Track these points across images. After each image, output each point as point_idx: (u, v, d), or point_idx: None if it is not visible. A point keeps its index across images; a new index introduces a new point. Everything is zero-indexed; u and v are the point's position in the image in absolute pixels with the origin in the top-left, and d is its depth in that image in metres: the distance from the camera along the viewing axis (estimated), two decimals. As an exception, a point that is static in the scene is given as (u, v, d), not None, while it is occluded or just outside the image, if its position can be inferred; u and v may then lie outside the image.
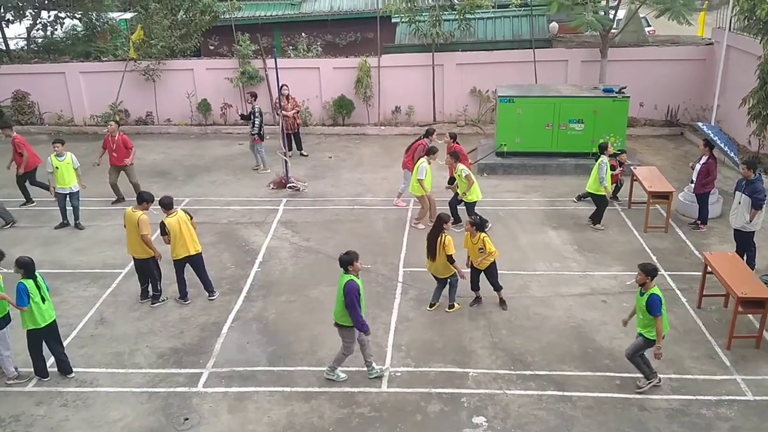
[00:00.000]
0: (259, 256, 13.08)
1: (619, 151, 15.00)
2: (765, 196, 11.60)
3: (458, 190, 13.70)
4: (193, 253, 11.33)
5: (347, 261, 9.08)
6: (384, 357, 10.04)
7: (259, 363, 9.99)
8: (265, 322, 11.01)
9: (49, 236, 14.13)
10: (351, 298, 8.96)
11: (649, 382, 9.23)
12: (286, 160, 16.30)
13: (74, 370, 9.83)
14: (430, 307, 11.19)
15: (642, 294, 8.94)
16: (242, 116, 18.05)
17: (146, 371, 9.87)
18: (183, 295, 11.59)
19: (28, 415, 9.04)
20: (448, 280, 11.03)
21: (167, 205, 11.22)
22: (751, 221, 11.64)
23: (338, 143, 19.96)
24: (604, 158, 13.71)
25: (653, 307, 8.73)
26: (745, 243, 11.88)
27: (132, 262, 11.87)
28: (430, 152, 13.99)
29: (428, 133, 14.96)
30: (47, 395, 9.41)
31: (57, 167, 14.12)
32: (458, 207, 13.91)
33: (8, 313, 9.57)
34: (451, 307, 11.15)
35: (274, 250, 13.38)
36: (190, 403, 9.21)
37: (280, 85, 17.93)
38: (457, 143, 14.63)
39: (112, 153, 15.40)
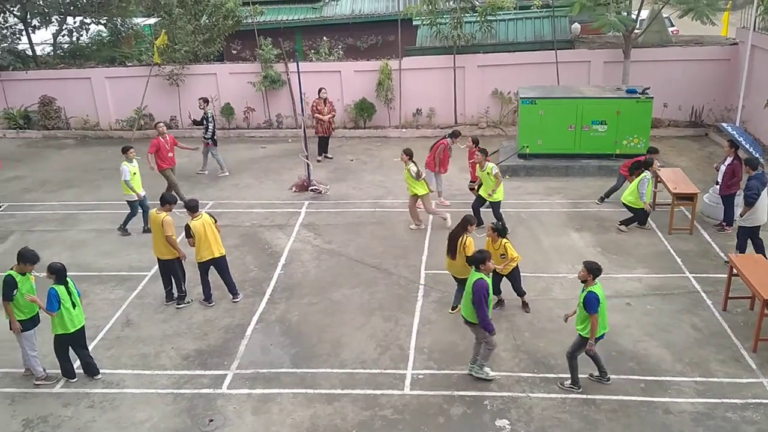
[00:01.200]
0: (281, 259, 13.16)
1: (652, 150, 14.80)
2: (757, 193, 11.92)
3: (482, 191, 13.68)
4: (217, 255, 11.44)
5: (480, 260, 9.10)
6: (406, 360, 10.06)
7: (282, 365, 10.06)
8: (288, 324, 11.09)
9: (76, 239, 14.33)
10: (480, 296, 8.96)
11: (572, 387, 9.31)
12: (308, 163, 16.39)
13: (101, 371, 9.96)
14: (452, 309, 11.19)
15: (583, 290, 8.99)
16: (194, 122, 18.16)
17: (171, 373, 9.98)
18: (207, 297, 11.71)
19: (55, 416, 9.18)
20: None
21: (193, 208, 11.35)
22: (741, 216, 12.15)
23: (360, 146, 20.02)
24: (647, 174, 13.57)
25: (589, 304, 8.82)
26: (742, 237, 12.25)
27: (157, 266, 12.00)
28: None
29: (454, 135, 14.99)
30: (74, 396, 9.55)
31: (135, 173, 14.07)
32: (482, 209, 13.88)
33: (37, 314, 9.73)
34: (454, 308, 11.14)
35: (297, 252, 13.46)
36: (214, 404, 9.30)
37: (319, 88, 18.09)
38: (478, 147, 14.61)
39: (167, 154, 15.44)
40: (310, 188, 16.33)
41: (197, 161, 18.12)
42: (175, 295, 11.77)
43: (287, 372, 9.89)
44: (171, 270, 11.62)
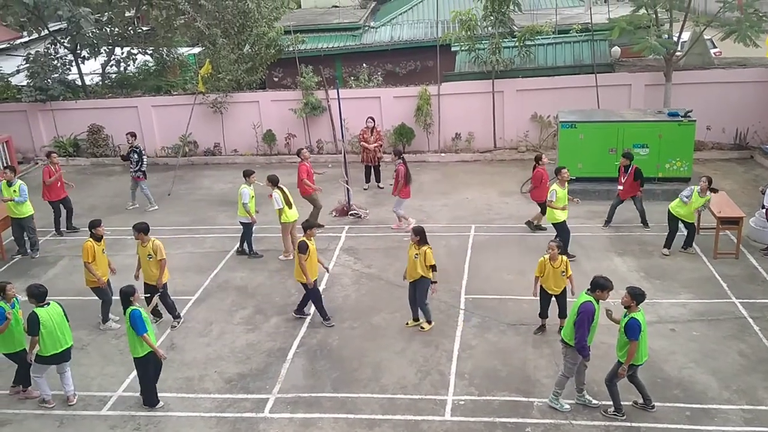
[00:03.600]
0: (322, 283, 13.28)
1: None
2: None
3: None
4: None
5: (602, 286, 9.00)
6: (447, 385, 10.05)
7: (323, 389, 10.14)
8: (328, 349, 11.17)
9: (123, 264, 14.58)
10: (583, 318, 8.94)
11: (615, 414, 9.17)
12: (348, 188, 16.56)
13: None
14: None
15: (625, 316, 8.87)
16: (122, 157, 18.27)
17: (215, 396, 10.13)
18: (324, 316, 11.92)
19: (103, 438, 9.38)
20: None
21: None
22: None
23: (399, 171, 20.12)
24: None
25: (630, 330, 8.73)
26: None
27: (201, 290, 12.23)
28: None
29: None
30: (120, 419, 9.75)
31: (253, 196, 14.47)
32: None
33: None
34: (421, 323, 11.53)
35: (337, 276, 13.57)
36: (257, 428, 9.41)
37: (366, 117, 18.30)
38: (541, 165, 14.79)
39: (312, 179, 15.71)
40: (350, 213, 16.48)
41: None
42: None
43: (328, 396, 9.96)
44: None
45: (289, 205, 14.12)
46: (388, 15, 28.70)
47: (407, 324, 11.68)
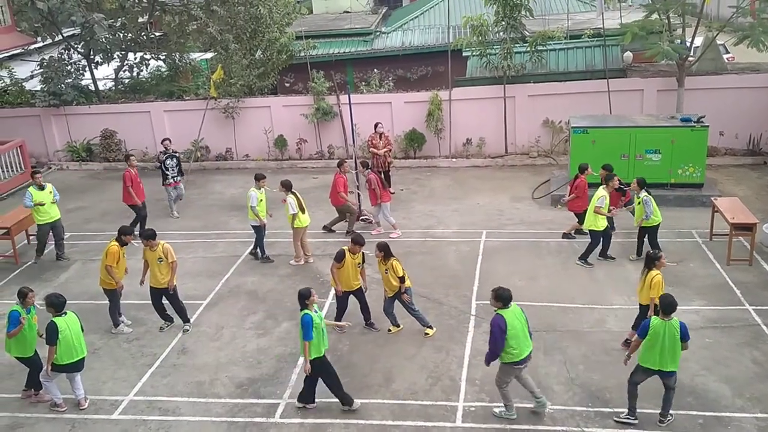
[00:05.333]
0: (333, 289, 13.26)
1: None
2: None
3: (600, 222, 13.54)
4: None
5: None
6: (458, 391, 10.02)
7: (334, 395, 10.11)
8: (339, 354, 11.15)
9: (135, 268, 14.60)
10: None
11: (627, 418, 9.13)
12: (359, 194, 16.57)
13: (157, 398, 10.18)
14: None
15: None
16: (160, 162, 17.84)
17: (225, 401, 10.14)
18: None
19: (114, 442, 9.41)
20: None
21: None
22: None
23: (410, 176, 20.14)
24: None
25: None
26: None
27: (212, 294, 12.25)
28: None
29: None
30: (132, 423, 9.77)
31: (261, 200, 14.51)
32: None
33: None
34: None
35: (348, 282, 13.54)
36: (267, 433, 9.40)
37: (375, 122, 18.28)
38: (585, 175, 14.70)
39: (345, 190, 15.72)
40: (361, 218, 16.49)
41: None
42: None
43: (339, 402, 9.94)
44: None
45: (302, 211, 14.14)
46: (399, 20, 28.79)
47: (389, 330, 11.75)
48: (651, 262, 10.27)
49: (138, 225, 16.08)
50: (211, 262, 14.85)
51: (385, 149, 18.21)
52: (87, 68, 23.36)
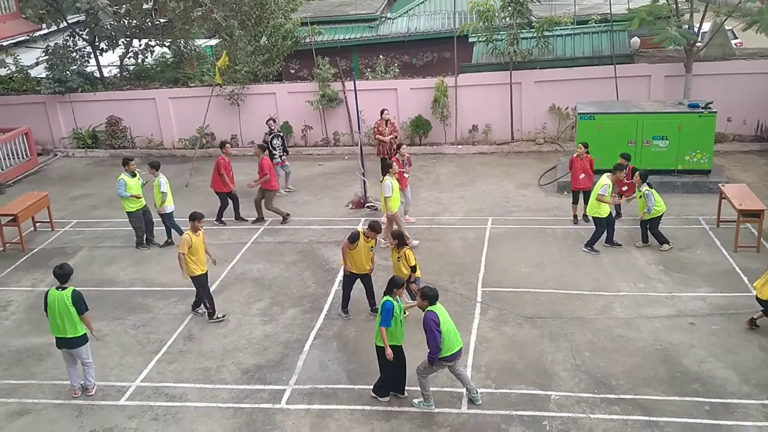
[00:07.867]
0: (338, 275, 13.26)
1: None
2: None
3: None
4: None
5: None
6: (464, 377, 10.01)
7: (339, 381, 10.15)
8: (345, 341, 11.18)
9: (141, 255, 14.75)
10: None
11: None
12: (364, 180, 16.54)
13: (164, 384, 10.23)
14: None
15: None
16: (265, 143, 17.89)
17: (232, 387, 10.17)
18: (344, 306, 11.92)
19: (120, 428, 9.45)
20: None
21: None
22: None
23: (415, 162, 20.00)
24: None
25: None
26: None
27: (218, 281, 12.26)
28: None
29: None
30: (139, 409, 9.82)
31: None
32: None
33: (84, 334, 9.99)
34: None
35: (354, 269, 13.54)
36: (273, 419, 9.44)
37: (381, 109, 18.18)
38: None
39: (271, 174, 15.87)
40: (366, 205, 16.46)
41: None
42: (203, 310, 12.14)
43: (344, 388, 9.97)
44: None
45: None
46: (405, 6, 28.55)
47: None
48: None
49: (223, 211, 16.12)
50: (217, 248, 14.77)
51: (391, 136, 18.10)
52: (92, 55, 23.34)
